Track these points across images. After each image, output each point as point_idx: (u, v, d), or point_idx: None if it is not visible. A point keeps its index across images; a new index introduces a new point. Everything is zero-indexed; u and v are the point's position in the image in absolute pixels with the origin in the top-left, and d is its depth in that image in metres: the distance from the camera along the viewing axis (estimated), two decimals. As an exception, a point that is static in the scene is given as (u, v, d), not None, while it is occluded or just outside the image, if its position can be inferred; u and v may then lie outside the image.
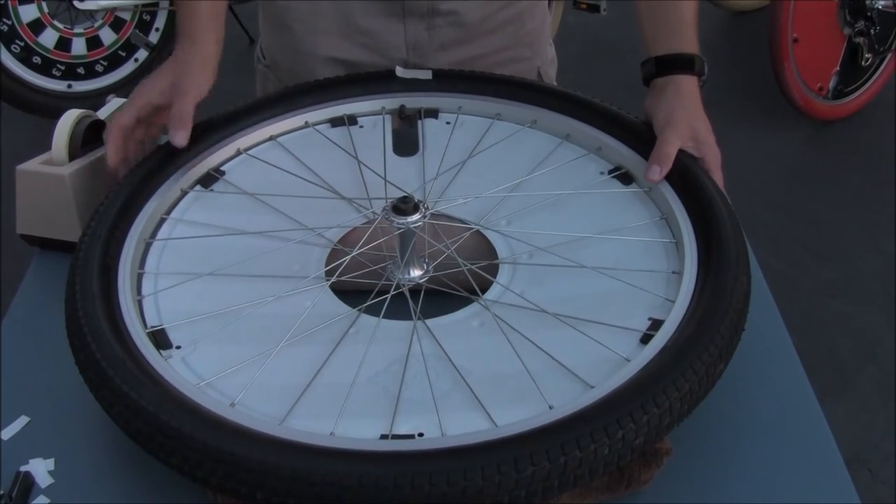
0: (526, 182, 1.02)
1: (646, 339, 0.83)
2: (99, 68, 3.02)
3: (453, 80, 1.14)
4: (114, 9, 2.96)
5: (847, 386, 2.21)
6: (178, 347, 0.85)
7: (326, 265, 0.94)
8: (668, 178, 0.98)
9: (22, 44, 2.90)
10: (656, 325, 0.83)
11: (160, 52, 3.05)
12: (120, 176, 1.02)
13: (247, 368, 0.82)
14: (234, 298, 0.89)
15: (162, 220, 0.99)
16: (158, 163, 1.01)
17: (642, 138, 1.03)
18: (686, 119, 1.00)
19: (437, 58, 1.25)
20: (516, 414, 0.75)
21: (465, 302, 0.90)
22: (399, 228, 0.90)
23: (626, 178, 1.03)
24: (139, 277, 0.92)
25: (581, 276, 0.91)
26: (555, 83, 1.40)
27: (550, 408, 0.76)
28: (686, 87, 1.03)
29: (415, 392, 0.80)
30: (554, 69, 1.40)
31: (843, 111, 3.12)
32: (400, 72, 1.14)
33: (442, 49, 1.24)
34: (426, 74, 1.14)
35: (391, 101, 1.13)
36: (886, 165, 2.93)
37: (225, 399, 0.79)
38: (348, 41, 1.23)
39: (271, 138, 1.10)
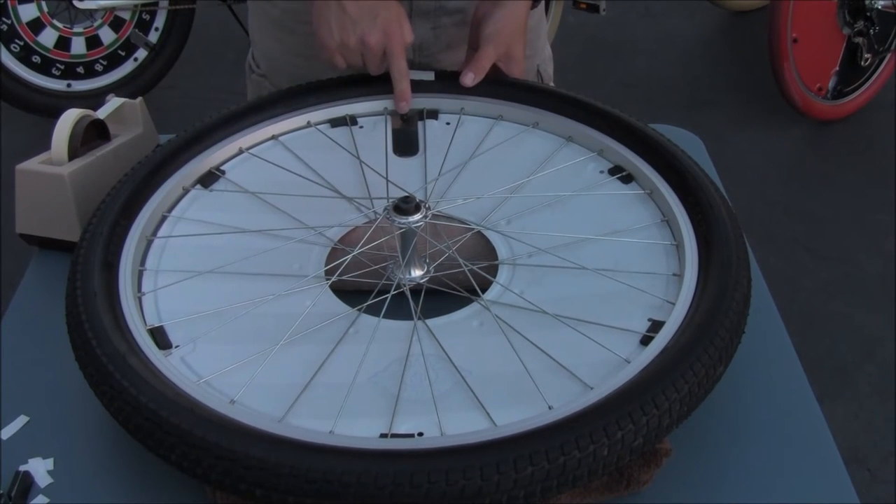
0: (527, 183, 1.02)
1: (646, 340, 0.83)
2: (98, 68, 3.02)
3: (456, 82, 1.14)
4: (113, 8, 2.96)
5: (846, 386, 2.21)
6: (178, 346, 0.85)
7: (326, 264, 0.94)
8: (669, 179, 0.98)
9: (21, 43, 2.90)
10: (656, 326, 0.83)
11: (160, 52, 3.05)
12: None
13: (246, 367, 0.82)
14: (233, 297, 0.89)
15: (164, 218, 0.99)
16: (161, 160, 1.02)
17: (645, 142, 1.03)
18: (509, 40, 1.09)
19: (442, 58, 1.25)
20: (516, 414, 0.75)
21: (465, 302, 0.90)
22: (400, 228, 0.90)
23: (626, 179, 1.03)
24: (140, 275, 0.92)
25: (581, 276, 0.91)
26: (552, 81, 1.40)
27: (550, 408, 0.76)
28: (520, 12, 1.11)
29: (414, 392, 0.80)
30: (551, 66, 1.41)
31: (843, 111, 3.12)
32: None
33: (448, 49, 1.25)
34: (429, 75, 1.14)
35: (393, 102, 1.13)
36: (886, 165, 2.93)
37: (224, 397, 0.79)
38: None
39: (273, 137, 1.10)
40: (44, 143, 1.08)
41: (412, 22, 1.21)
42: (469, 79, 1.09)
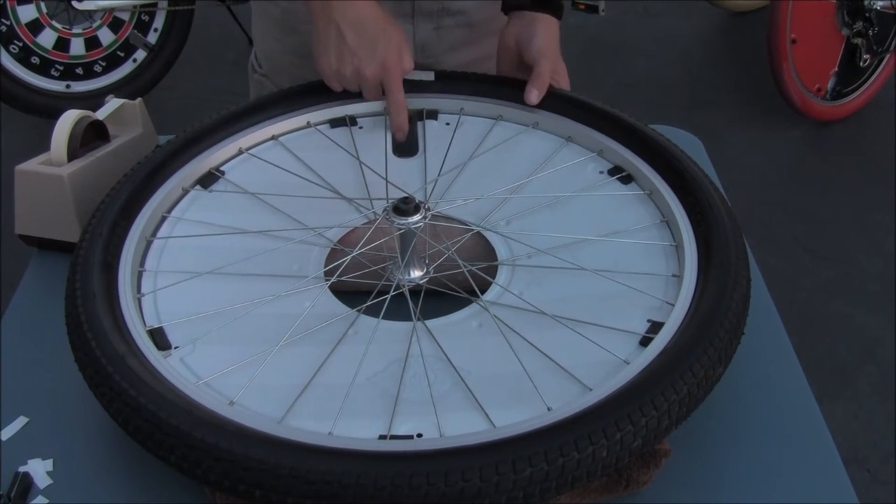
0: (526, 183, 1.02)
1: (645, 341, 0.83)
2: (97, 68, 3.01)
3: (456, 82, 1.14)
4: (112, 9, 2.96)
5: (846, 386, 2.21)
6: (177, 348, 0.85)
7: (326, 265, 0.94)
8: (668, 180, 0.98)
9: (20, 44, 2.90)
10: (656, 327, 0.83)
11: (159, 53, 3.05)
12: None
13: (245, 368, 0.82)
14: (233, 298, 0.89)
15: (163, 219, 0.99)
16: (160, 161, 1.02)
17: (645, 142, 1.03)
18: (555, 56, 1.13)
19: (445, 59, 1.25)
20: (515, 415, 0.75)
21: (464, 303, 0.90)
22: (400, 229, 0.90)
23: (626, 179, 1.03)
24: (139, 275, 0.92)
25: (580, 277, 0.91)
26: None
27: (549, 409, 0.76)
28: (554, 29, 1.14)
29: (413, 392, 0.80)
30: None
31: (842, 112, 3.12)
32: None
33: (451, 50, 1.25)
34: (429, 76, 1.14)
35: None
36: (885, 165, 2.93)
37: (223, 398, 0.79)
38: None
39: (273, 138, 1.10)
40: (43, 144, 1.08)
41: (414, 22, 1.21)
42: (535, 96, 1.08)
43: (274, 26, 1.28)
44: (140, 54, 3.05)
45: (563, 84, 1.14)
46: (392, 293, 0.90)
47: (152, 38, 3.04)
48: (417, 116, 1.12)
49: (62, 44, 2.95)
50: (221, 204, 1.02)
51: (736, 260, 0.86)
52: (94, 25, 2.97)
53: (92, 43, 2.99)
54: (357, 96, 1.11)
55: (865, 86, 3.14)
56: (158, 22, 3.04)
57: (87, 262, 0.88)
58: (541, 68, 1.09)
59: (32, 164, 1.06)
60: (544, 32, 1.12)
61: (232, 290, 0.90)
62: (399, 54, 1.05)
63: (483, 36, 1.26)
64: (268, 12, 1.27)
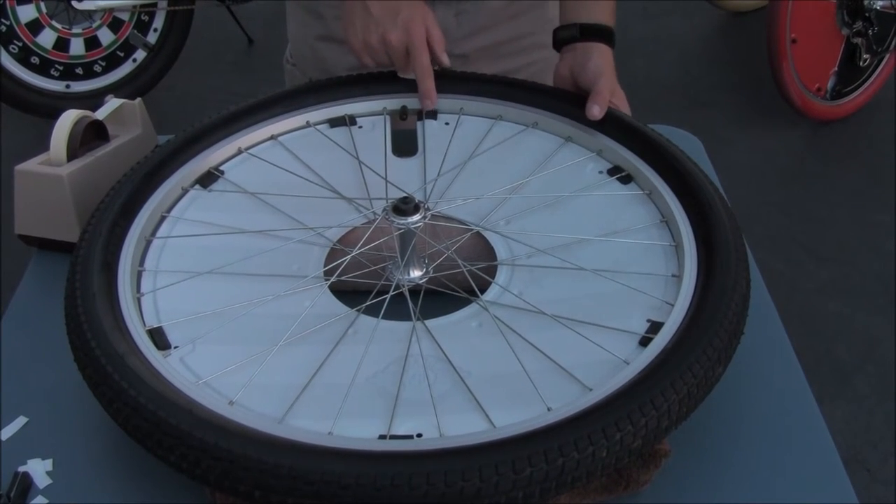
0: (526, 183, 1.02)
1: (645, 341, 0.83)
2: (97, 68, 3.02)
3: (455, 82, 1.14)
4: (112, 9, 2.96)
5: (845, 386, 2.21)
6: (177, 347, 0.85)
7: (325, 265, 0.94)
8: (668, 180, 0.98)
9: (20, 44, 2.90)
10: (655, 327, 0.83)
11: (158, 53, 3.05)
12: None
13: (245, 368, 0.82)
14: (232, 298, 0.89)
15: (163, 218, 0.99)
16: (160, 161, 1.02)
17: (645, 142, 1.03)
18: (613, 78, 1.10)
19: (464, 44, 1.27)
20: (514, 415, 0.75)
21: (464, 303, 0.90)
22: (399, 229, 0.90)
23: (626, 179, 1.03)
24: (139, 275, 0.92)
25: (580, 277, 0.91)
26: None
27: (549, 409, 0.76)
28: (609, 57, 1.13)
29: (413, 392, 0.80)
30: None
31: (842, 112, 3.12)
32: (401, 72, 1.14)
33: (470, 35, 1.26)
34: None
35: (393, 102, 1.13)
36: (884, 165, 2.93)
37: (223, 398, 0.79)
38: None
39: (272, 138, 1.10)
40: (43, 144, 1.08)
41: (434, 8, 1.22)
42: (597, 110, 1.06)
43: (301, 10, 1.31)
44: (140, 54, 3.05)
45: (624, 108, 1.11)
46: (392, 293, 0.90)
47: (152, 38, 3.04)
48: (417, 116, 1.13)
49: (62, 44, 2.95)
50: (221, 203, 1.02)
51: (736, 260, 0.86)
52: (94, 25, 2.98)
53: (92, 43, 2.99)
54: (357, 94, 1.12)
55: (865, 85, 3.14)
56: (158, 22, 3.04)
57: (87, 262, 0.88)
58: (599, 86, 1.07)
59: (32, 164, 1.06)
60: (599, 58, 1.11)
61: (231, 290, 0.90)
62: (423, 21, 1.07)
63: (501, 21, 1.28)
64: (294, 2, 1.31)
